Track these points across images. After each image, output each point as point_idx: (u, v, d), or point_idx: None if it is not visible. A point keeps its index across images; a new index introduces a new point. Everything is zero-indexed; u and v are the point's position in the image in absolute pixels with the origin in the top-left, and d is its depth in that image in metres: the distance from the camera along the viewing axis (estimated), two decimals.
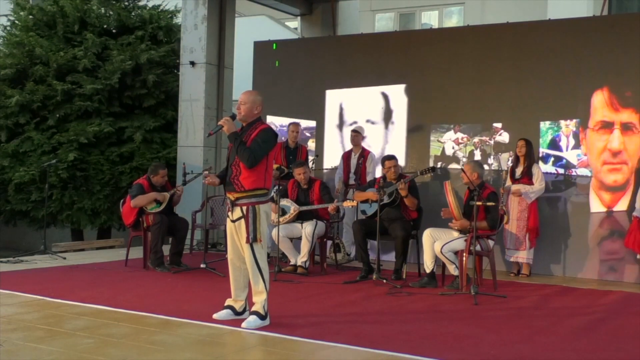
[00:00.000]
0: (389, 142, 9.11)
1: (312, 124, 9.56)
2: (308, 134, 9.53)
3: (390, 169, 7.52)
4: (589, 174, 8.02)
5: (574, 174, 8.10)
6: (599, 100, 8.05)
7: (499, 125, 8.48)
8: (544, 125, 8.24)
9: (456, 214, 6.83)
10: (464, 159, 8.47)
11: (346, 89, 9.42)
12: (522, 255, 7.77)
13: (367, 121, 9.28)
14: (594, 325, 5.45)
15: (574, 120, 8.11)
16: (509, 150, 8.36)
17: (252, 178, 5.08)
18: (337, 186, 8.74)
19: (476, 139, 8.59)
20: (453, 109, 8.75)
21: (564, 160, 8.15)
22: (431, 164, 8.62)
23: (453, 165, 8.63)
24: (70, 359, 4.23)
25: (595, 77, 8.05)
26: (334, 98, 9.52)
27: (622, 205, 7.93)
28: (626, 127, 7.93)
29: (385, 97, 9.19)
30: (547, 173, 8.06)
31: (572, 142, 8.14)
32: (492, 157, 8.51)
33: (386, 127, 9.19)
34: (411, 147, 8.96)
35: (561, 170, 8.16)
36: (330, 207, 7.61)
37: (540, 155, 8.21)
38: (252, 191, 5.09)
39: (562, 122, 8.19)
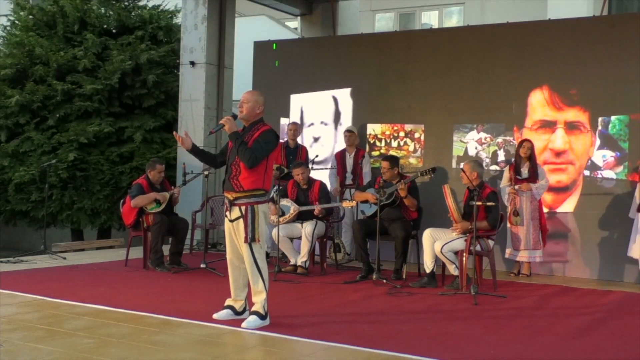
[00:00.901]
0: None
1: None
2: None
3: (386, 170, 7.48)
4: (614, 177, 7.85)
5: (599, 176, 7.91)
6: (538, 100, 8.19)
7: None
8: None
9: (456, 217, 6.83)
10: (487, 160, 8.40)
11: (345, 89, 9.42)
12: (539, 255, 7.77)
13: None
14: (594, 325, 5.45)
15: (600, 119, 7.96)
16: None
17: (251, 178, 5.08)
18: (334, 186, 8.72)
19: (500, 139, 8.44)
20: (453, 108, 8.75)
21: (589, 162, 7.97)
22: (454, 165, 8.54)
23: None
24: (70, 359, 4.23)
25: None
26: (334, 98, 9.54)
27: (567, 206, 7.98)
28: (572, 126, 7.99)
29: (386, 96, 9.18)
30: None
31: (597, 141, 7.97)
32: None
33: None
34: (432, 147, 8.86)
35: (586, 173, 7.96)
36: (316, 209, 7.59)
37: None
38: (251, 191, 5.09)
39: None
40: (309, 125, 9.58)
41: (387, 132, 9.13)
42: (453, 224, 6.88)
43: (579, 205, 7.96)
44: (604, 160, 7.94)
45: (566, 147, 7.99)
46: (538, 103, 8.25)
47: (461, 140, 8.67)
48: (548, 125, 8.11)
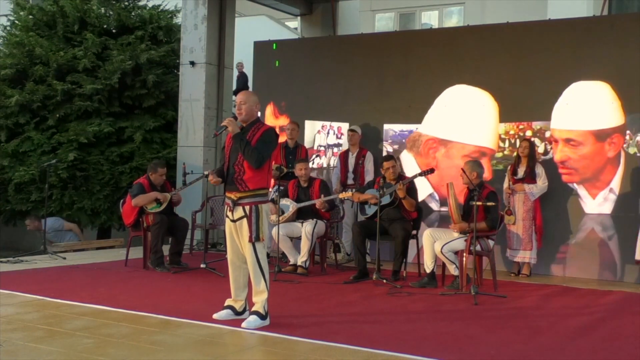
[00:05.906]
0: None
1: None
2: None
3: (388, 169, 7.50)
4: None
5: None
6: None
7: None
8: None
9: (455, 217, 6.82)
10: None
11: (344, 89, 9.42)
12: (529, 256, 7.76)
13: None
14: (594, 325, 5.45)
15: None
16: None
17: (256, 178, 5.12)
18: (335, 186, 8.73)
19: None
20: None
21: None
22: None
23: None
24: (70, 359, 4.23)
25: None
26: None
27: None
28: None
29: (388, 97, 9.17)
30: None
31: None
32: None
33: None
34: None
35: None
36: (318, 202, 7.61)
37: None
38: (255, 191, 5.13)
39: None
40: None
41: (512, 132, 8.28)
42: (452, 223, 6.89)
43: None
44: None
45: None
46: None
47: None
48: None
